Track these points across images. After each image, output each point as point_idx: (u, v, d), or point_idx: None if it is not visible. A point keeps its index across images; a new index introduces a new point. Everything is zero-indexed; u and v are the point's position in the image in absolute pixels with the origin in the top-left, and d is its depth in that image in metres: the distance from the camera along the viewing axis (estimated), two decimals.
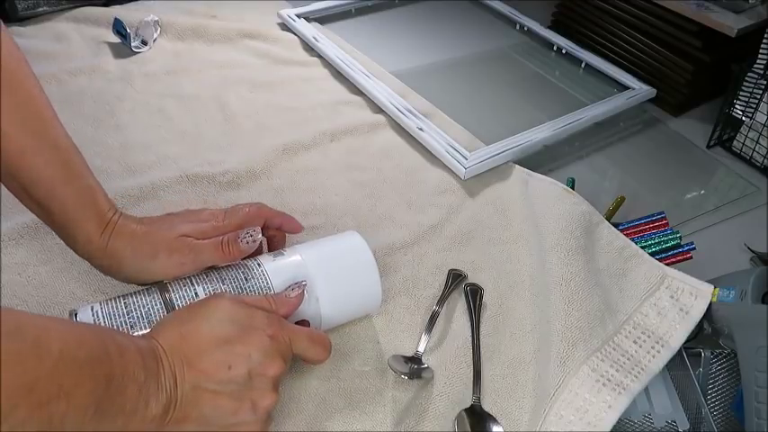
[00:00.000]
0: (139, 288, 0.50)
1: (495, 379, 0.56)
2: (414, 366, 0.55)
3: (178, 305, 0.48)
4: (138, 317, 0.47)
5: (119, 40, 0.94)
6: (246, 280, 0.51)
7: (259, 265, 0.52)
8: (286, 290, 0.50)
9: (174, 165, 0.73)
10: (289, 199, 0.72)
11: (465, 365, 0.56)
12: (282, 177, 0.75)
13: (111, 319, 0.47)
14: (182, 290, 0.50)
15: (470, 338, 0.58)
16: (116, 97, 0.84)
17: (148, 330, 0.46)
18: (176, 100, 0.85)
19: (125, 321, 0.47)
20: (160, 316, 0.48)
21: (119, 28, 0.93)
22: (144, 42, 0.95)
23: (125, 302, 0.48)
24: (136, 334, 0.46)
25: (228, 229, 0.54)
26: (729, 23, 0.87)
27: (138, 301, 0.48)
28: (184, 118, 0.82)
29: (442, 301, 0.61)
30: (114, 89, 0.85)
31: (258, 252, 0.55)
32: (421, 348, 0.56)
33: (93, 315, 0.47)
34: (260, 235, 0.54)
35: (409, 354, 0.56)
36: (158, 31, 0.97)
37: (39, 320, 0.34)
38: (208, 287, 0.50)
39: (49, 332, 0.33)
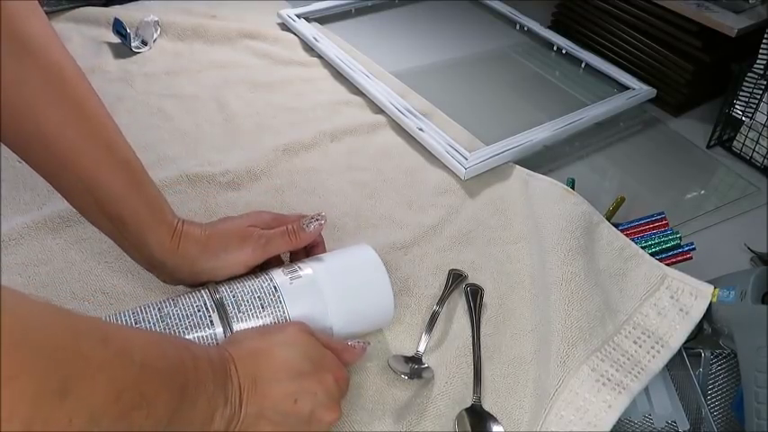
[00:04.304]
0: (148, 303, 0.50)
1: (496, 379, 0.56)
2: (414, 366, 0.55)
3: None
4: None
5: (119, 40, 0.94)
6: (263, 308, 0.50)
7: (275, 289, 0.51)
8: (352, 341, 0.51)
9: (173, 165, 0.73)
10: (289, 199, 0.72)
11: (465, 365, 0.56)
12: (282, 177, 0.75)
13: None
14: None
15: (471, 338, 0.58)
16: (116, 97, 0.84)
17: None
18: (176, 100, 0.85)
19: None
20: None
21: (119, 28, 0.93)
22: (144, 42, 0.95)
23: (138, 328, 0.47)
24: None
25: (289, 219, 0.56)
26: (729, 23, 0.87)
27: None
28: (184, 118, 0.82)
29: (442, 301, 0.61)
30: (114, 89, 0.85)
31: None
32: (421, 348, 0.56)
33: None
34: (324, 218, 0.55)
35: (410, 353, 0.56)
36: (158, 31, 0.97)
37: (121, 331, 0.34)
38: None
39: (132, 342, 0.34)
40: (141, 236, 0.50)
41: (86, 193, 0.48)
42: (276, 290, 0.50)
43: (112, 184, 0.48)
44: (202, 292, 0.50)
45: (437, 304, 0.60)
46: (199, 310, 0.48)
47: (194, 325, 0.47)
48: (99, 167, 0.47)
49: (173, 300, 0.49)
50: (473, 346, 0.57)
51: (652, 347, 0.58)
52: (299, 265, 0.53)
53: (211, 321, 0.48)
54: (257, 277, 0.52)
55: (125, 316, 0.47)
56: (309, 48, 1.00)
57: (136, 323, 0.47)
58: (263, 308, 0.49)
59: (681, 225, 0.76)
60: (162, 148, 0.76)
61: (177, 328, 0.47)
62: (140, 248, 0.51)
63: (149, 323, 0.47)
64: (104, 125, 0.48)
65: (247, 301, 0.49)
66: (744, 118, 0.87)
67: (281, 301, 0.50)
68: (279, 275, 0.52)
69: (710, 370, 0.60)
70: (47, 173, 0.48)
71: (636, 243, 0.68)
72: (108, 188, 0.48)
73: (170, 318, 0.47)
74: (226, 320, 0.48)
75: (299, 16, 1.05)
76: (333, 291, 0.52)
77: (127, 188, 0.49)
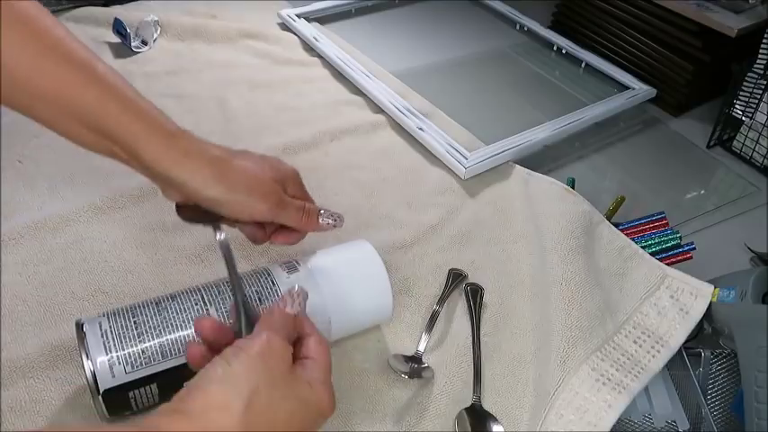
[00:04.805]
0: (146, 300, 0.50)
1: (496, 378, 0.56)
2: (414, 365, 0.55)
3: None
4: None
5: (119, 40, 0.94)
6: (260, 301, 0.50)
7: (273, 283, 0.51)
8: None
9: None
10: None
11: (465, 365, 0.56)
12: None
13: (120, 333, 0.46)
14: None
15: (471, 338, 0.58)
16: None
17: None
18: (176, 100, 0.85)
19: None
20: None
21: (119, 28, 0.93)
22: (144, 42, 0.95)
23: (135, 321, 0.47)
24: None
25: (307, 195, 0.53)
26: (729, 23, 0.87)
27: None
28: (184, 118, 0.80)
29: (442, 300, 0.61)
30: None
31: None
32: (421, 347, 0.56)
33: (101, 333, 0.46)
34: (341, 224, 0.53)
35: (410, 353, 0.56)
36: (158, 31, 0.97)
37: None
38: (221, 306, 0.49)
39: None
40: (135, 146, 0.45)
41: (67, 116, 0.44)
42: (274, 284, 0.50)
43: (87, 99, 0.44)
44: (200, 287, 0.50)
45: (437, 304, 0.60)
46: (196, 304, 0.48)
47: (191, 318, 0.48)
48: (69, 85, 0.44)
49: (170, 294, 0.50)
50: (473, 345, 0.57)
51: (652, 347, 0.58)
52: (297, 260, 0.54)
53: (208, 314, 0.48)
54: (254, 271, 0.52)
55: (123, 312, 0.48)
56: (309, 48, 1.00)
57: (133, 317, 0.47)
58: (260, 301, 0.50)
59: (681, 225, 0.76)
60: None
61: (175, 322, 0.47)
62: (139, 162, 0.46)
63: (147, 316, 0.47)
64: (60, 39, 0.44)
65: (245, 294, 0.49)
66: (744, 118, 0.87)
67: (279, 296, 0.50)
68: (276, 270, 0.52)
69: (710, 370, 0.60)
70: (23, 108, 0.45)
71: (636, 243, 0.68)
72: (83, 104, 0.44)
73: (167, 311, 0.48)
74: (222, 314, 0.48)
75: (299, 16, 1.05)
76: (330, 285, 0.52)
77: (104, 100, 0.45)
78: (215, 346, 0.42)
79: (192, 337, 0.47)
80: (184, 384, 0.36)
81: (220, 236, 0.47)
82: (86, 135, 0.46)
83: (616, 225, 0.70)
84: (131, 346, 0.45)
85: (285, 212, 0.50)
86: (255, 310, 0.48)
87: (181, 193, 0.48)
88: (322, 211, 0.52)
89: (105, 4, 1.01)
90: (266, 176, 0.49)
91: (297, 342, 0.42)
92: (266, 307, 0.49)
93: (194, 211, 0.49)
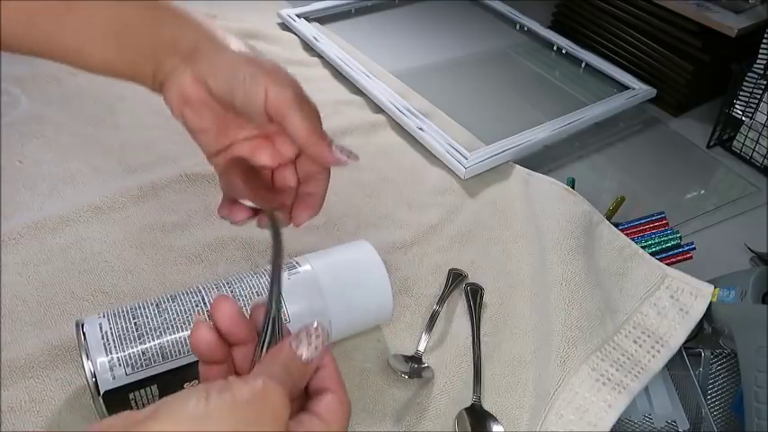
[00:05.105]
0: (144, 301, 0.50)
1: (496, 378, 0.56)
2: (414, 365, 0.55)
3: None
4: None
5: None
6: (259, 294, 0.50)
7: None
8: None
9: (173, 164, 0.73)
10: None
11: (465, 365, 0.56)
12: None
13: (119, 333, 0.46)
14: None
15: (471, 338, 0.58)
16: (116, 97, 0.83)
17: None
18: None
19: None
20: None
21: None
22: None
23: (135, 322, 0.47)
24: None
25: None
26: (729, 23, 0.87)
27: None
28: None
29: (442, 300, 0.61)
30: (114, 89, 0.85)
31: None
32: (421, 347, 0.56)
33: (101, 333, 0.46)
34: (356, 159, 0.44)
35: (410, 353, 0.56)
36: None
37: None
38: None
39: None
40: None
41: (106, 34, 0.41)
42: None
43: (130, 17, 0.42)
44: (200, 287, 0.50)
45: (437, 304, 0.60)
46: (197, 305, 0.48)
47: (192, 320, 0.48)
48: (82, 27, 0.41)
49: (170, 296, 0.49)
50: (473, 345, 0.57)
51: (652, 347, 0.58)
52: (297, 260, 0.54)
53: (209, 316, 0.48)
54: (254, 273, 0.52)
55: (124, 313, 0.48)
56: (309, 47, 1.00)
57: (134, 318, 0.47)
58: None
59: (681, 225, 0.76)
60: (162, 148, 0.76)
61: (175, 323, 0.47)
62: (153, 29, 0.43)
63: (147, 317, 0.47)
64: None
65: (245, 296, 0.49)
66: (744, 118, 0.87)
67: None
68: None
69: (710, 370, 0.60)
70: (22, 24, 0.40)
71: (636, 243, 0.68)
72: (123, 21, 0.42)
73: (168, 312, 0.48)
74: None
75: (299, 16, 1.05)
76: (331, 286, 0.52)
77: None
78: (227, 340, 0.34)
79: None
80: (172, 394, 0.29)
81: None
82: (92, 28, 0.42)
83: (616, 225, 0.70)
84: (132, 348, 0.45)
85: (303, 109, 0.41)
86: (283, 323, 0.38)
87: (188, 65, 0.43)
88: (337, 144, 0.43)
89: None
90: (290, 75, 0.43)
91: (312, 393, 0.32)
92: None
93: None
